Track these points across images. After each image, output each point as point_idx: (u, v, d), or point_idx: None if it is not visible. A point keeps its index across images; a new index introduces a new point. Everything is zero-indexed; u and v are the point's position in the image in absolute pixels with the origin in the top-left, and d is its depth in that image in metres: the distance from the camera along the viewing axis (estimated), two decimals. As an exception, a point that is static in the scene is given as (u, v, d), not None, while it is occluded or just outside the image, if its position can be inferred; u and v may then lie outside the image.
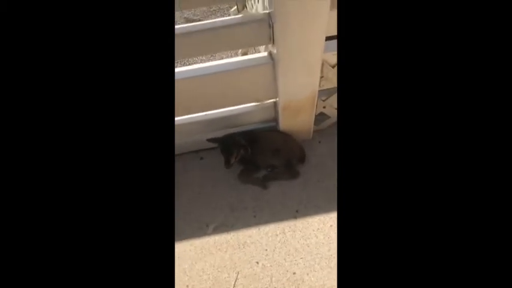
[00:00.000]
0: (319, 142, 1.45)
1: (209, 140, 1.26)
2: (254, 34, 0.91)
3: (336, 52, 1.05)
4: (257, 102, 1.22)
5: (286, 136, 1.33)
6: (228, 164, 1.22)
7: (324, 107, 1.34)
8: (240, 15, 0.89)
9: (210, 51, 0.97)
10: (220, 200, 1.31)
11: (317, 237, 1.20)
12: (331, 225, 1.22)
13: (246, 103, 1.21)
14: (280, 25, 0.83)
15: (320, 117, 1.41)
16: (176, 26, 0.85)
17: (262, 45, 0.98)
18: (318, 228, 1.22)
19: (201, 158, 1.43)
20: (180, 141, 1.36)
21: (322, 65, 1.07)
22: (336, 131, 1.50)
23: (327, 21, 0.86)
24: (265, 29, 0.90)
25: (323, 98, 1.29)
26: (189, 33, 0.87)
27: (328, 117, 1.42)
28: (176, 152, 1.42)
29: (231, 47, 0.94)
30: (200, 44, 0.90)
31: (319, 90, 1.18)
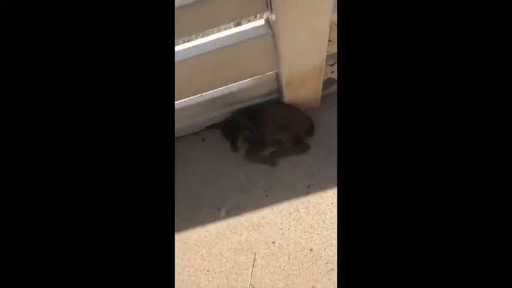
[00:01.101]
0: (328, 108, 1.35)
1: (209, 127, 1.18)
2: (247, 2, 0.76)
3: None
4: (258, 75, 1.09)
5: (292, 109, 1.22)
6: (234, 148, 1.16)
7: (332, 72, 1.20)
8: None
9: (198, 30, 0.82)
10: (229, 181, 1.26)
11: (332, 212, 1.17)
12: (345, 198, 1.19)
13: (246, 79, 1.08)
14: None
15: (327, 81, 1.28)
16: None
17: (258, 13, 0.83)
18: (332, 203, 1.19)
19: (203, 139, 1.35)
20: (179, 125, 1.27)
21: (330, 27, 0.92)
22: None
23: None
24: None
25: (330, 63, 1.15)
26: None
27: (336, 82, 1.29)
28: (177, 135, 1.34)
29: (221, 22, 0.80)
30: (186, 22, 0.75)
31: (326, 56, 1.05)
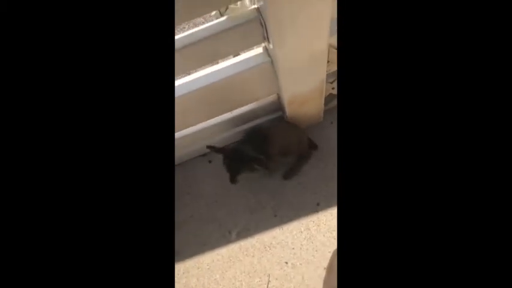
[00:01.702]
0: (331, 123, 1.35)
1: (211, 148, 1.13)
2: (245, 37, 0.77)
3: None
4: (260, 99, 1.11)
5: (294, 130, 1.22)
6: (233, 180, 1.11)
7: (333, 88, 1.21)
8: (224, 18, 0.74)
9: (200, 65, 0.84)
10: (238, 203, 1.27)
11: (343, 228, 1.17)
12: (355, 214, 1.18)
13: (248, 104, 1.10)
14: (274, 20, 0.69)
15: (329, 97, 1.29)
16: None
17: (256, 45, 0.84)
18: (343, 219, 1.18)
19: (210, 161, 1.36)
20: (185, 149, 1.29)
21: (328, 50, 0.93)
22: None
23: (331, 4, 0.71)
24: (257, 28, 0.76)
25: (330, 81, 1.16)
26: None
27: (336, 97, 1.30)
28: (183, 159, 1.36)
29: (222, 56, 0.81)
30: (186, 59, 0.77)
31: (326, 75, 1.06)
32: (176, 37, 0.73)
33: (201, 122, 1.11)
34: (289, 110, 1.15)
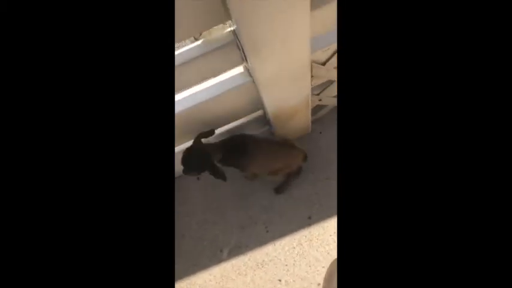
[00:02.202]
0: (320, 133, 1.33)
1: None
2: (224, 60, 0.75)
3: (326, 48, 0.88)
4: (245, 116, 1.08)
5: (283, 150, 1.13)
6: (186, 172, 0.99)
7: (320, 100, 1.19)
8: (199, 42, 0.71)
9: (179, 89, 0.81)
10: (229, 220, 1.25)
11: (335, 242, 1.15)
12: (348, 226, 1.17)
13: (235, 120, 1.07)
14: (248, 43, 0.67)
15: (316, 108, 1.27)
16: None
17: (236, 67, 0.81)
18: (335, 232, 1.16)
19: (198, 179, 1.34)
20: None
21: (311, 66, 0.91)
22: (335, 117, 1.37)
23: (309, 24, 0.69)
24: (235, 50, 0.73)
25: (316, 93, 1.14)
26: None
27: (325, 106, 1.28)
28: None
29: (200, 79, 0.79)
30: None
31: (311, 88, 1.03)
32: None
33: (187, 141, 1.07)
34: (276, 124, 1.13)
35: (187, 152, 0.97)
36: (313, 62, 0.90)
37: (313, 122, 1.30)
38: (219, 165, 0.99)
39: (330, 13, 0.76)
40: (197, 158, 0.96)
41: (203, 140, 0.97)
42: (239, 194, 1.27)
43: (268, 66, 0.74)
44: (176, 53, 0.72)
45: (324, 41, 0.84)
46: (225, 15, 0.62)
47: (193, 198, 1.30)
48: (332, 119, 1.34)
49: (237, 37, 0.69)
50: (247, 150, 1.03)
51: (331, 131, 1.32)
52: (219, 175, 0.95)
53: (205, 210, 1.28)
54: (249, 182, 1.27)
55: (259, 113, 1.14)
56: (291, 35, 0.67)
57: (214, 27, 0.65)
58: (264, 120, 1.20)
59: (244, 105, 0.98)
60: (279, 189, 1.23)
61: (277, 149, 1.09)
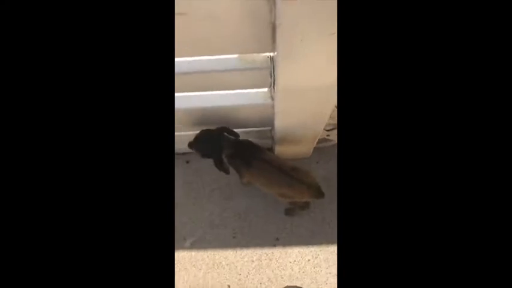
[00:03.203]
0: (317, 163, 1.34)
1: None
2: (252, 80, 0.73)
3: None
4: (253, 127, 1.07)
5: (288, 177, 1.01)
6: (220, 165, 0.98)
7: (328, 135, 1.19)
8: (236, 56, 0.70)
9: (203, 90, 0.81)
10: (202, 213, 1.27)
11: (292, 270, 1.19)
12: (308, 260, 1.20)
13: (240, 128, 1.06)
14: (284, 81, 0.66)
15: (321, 140, 1.27)
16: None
17: (261, 88, 0.80)
18: (295, 261, 1.20)
19: (187, 162, 1.34)
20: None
21: (332, 110, 0.90)
22: (335, 152, 1.39)
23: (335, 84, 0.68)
24: (266, 76, 0.72)
25: (327, 129, 1.14)
26: (186, 73, 0.71)
27: (331, 140, 1.28)
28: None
29: (227, 88, 0.78)
30: (195, 82, 0.73)
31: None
32: (182, 60, 0.69)
33: (189, 132, 1.07)
34: (278, 144, 1.13)
35: (206, 132, 0.97)
36: (335, 107, 0.90)
37: (313, 149, 1.31)
38: (225, 160, 0.99)
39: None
40: (211, 142, 0.97)
41: None
42: (223, 192, 1.29)
43: (293, 104, 0.74)
44: (208, 58, 0.70)
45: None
46: (272, 47, 0.60)
47: (178, 178, 1.31)
48: (333, 153, 1.35)
49: (273, 65, 0.68)
50: (251, 164, 1.00)
51: (328, 164, 1.34)
52: (222, 168, 0.96)
53: (182, 195, 1.29)
54: (241, 186, 1.27)
55: (266, 128, 1.14)
56: (324, 85, 0.66)
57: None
58: (269, 134, 1.20)
59: (255, 120, 0.98)
60: (287, 212, 1.24)
61: (282, 177, 1.00)
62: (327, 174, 1.32)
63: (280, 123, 0.91)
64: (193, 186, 1.31)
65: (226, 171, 0.98)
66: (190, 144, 1.01)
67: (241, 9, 0.53)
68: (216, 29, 0.56)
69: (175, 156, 1.33)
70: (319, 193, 1.01)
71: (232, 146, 0.97)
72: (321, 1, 0.48)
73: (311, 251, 1.22)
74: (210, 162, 1.00)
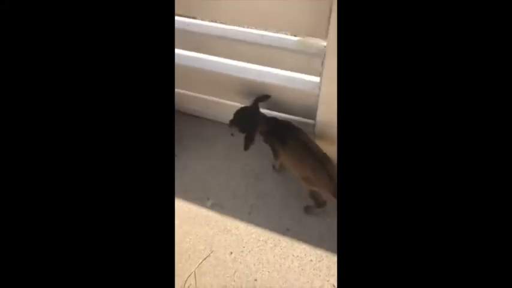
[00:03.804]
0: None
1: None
2: (304, 64, 0.80)
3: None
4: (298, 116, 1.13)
5: (315, 160, 1.08)
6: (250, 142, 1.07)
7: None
8: (295, 38, 0.77)
9: (253, 62, 0.90)
10: (229, 183, 1.37)
11: (292, 262, 1.22)
12: (311, 260, 1.21)
13: (286, 114, 1.13)
14: (331, 62, 0.71)
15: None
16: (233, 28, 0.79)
17: (312, 75, 0.86)
18: (298, 256, 1.22)
19: (232, 134, 1.46)
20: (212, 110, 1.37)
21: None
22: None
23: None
24: (317, 63, 0.78)
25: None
26: (241, 41, 0.81)
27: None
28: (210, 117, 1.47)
29: (276, 65, 0.86)
30: (246, 51, 0.83)
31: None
32: (239, 29, 0.79)
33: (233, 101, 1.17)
34: (319, 140, 1.17)
35: (242, 110, 1.09)
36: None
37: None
38: (261, 137, 1.08)
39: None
40: (246, 119, 1.07)
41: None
42: (253, 171, 1.38)
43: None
44: (266, 33, 0.79)
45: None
46: (325, 33, 0.66)
47: (218, 144, 1.44)
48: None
49: (324, 56, 0.74)
50: (287, 143, 1.07)
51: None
52: (246, 142, 1.05)
53: (218, 160, 1.41)
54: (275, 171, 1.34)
55: (311, 121, 1.18)
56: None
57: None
58: (312, 130, 1.24)
59: (301, 109, 1.04)
60: (306, 209, 1.29)
61: (311, 160, 1.06)
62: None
63: (323, 117, 0.95)
64: (232, 156, 1.42)
65: (247, 147, 1.05)
66: (230, 122, 1.11)
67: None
68: (278, 6, 0.63)
69: (222, 125, 1.46)
70: (331, 184, 1.02)
71: (269, 123, 1.04)
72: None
73: (316, 253, 1.22)
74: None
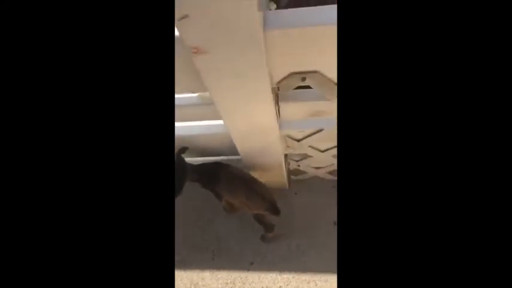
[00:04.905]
0: (296, 194, 1.44)
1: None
2: (211, 112, 0.93)
3: (300, 130, 1.02)
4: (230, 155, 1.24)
5: (253, 185, 1.13)
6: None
7: (299, 166, 1.31)
8: (196, 95, 0.91)
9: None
10: (185, 234, 1.39)
11: (265, 295, 1.23)
12: (280, 286, 1.24)
13: (221, 156, 1.24)
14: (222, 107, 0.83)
15: (296, 171, 1.39)
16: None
17: (216, 119, 1.00)
18: (267, 286, 1.25)
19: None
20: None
21: (285, 139, 1.05)
22: (313, 184, 1.46)
23: (273, 112, 0.84)
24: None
25: (296, 159, 1.26)
26: None
27: (305, 172, 1.39)
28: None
29: (188, 119, 0.99)
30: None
31: (291, 154, 1.17)
32: None
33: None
34: (251, 171, 1.27)
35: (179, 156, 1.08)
36: (287, 136, 1.05)
37: (294, 181, 1.42)
38: (199, 185, 1.12)
39: (296, 109, 0.91)
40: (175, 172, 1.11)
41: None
42: (205, 216, 1.42)
43: (242, 124, 0.90)
44: (178, 96, 0.92)
45: (298, 125, 0.99)
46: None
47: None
48: (311, 185, 1.44)
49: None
50: (220, 179, 1.11)
51: (306, 196, 1.42)
52: (177, 192, 1.05)
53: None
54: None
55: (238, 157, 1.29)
56: (258, 113, 0.83)
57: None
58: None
59: (226, 148, 1.15)
60: (262, 238, 1.32)
61: (242, 187, 1.09)
62: (303, 204, 1.40)
63: (242, 149, 1.05)
64: (178, 209, 1.45)
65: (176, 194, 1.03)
66: None
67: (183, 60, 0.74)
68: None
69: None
70: (274, 208, 1.07)
71: (197, 170, 1.12)
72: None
73: (283, 278, 1.26)
74: (195, 187, 1.15)
